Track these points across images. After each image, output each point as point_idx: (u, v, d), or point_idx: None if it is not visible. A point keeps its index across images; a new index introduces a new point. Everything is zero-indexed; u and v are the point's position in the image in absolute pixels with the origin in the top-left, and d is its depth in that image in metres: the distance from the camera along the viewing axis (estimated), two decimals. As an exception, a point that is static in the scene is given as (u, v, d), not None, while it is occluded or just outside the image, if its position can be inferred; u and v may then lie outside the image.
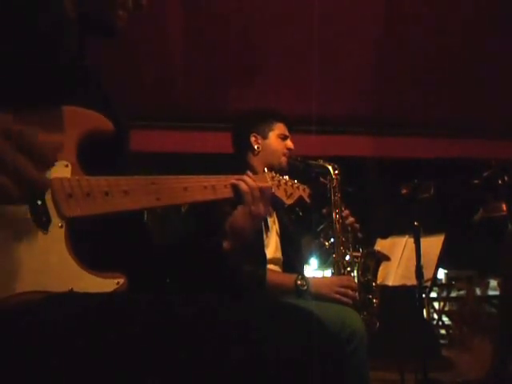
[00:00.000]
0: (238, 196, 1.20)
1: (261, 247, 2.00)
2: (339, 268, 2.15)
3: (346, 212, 2.22)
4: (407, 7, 3.44)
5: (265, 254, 2.00)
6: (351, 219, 2.22)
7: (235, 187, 1.19)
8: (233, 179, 1.21)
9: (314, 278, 2.09)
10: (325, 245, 2.25)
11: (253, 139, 2.17)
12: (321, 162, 2.30)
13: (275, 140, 2.17)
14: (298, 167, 2.20)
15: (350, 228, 2.20)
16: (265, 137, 2.18)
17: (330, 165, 2.28)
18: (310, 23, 3.29)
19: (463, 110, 3.95)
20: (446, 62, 3.70)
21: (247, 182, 1.21)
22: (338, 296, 1.92)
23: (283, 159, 2.16)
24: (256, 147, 2.16)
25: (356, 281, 2.16)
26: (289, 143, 2.19)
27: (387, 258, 2.51)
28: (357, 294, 2.02)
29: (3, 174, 0.66)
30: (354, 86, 3.90)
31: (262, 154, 2.17)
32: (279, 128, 2.20)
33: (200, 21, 3.41)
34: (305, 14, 3.35)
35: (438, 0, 3.44)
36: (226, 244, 1.21)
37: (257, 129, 2.19)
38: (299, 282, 1.89)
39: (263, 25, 3.50)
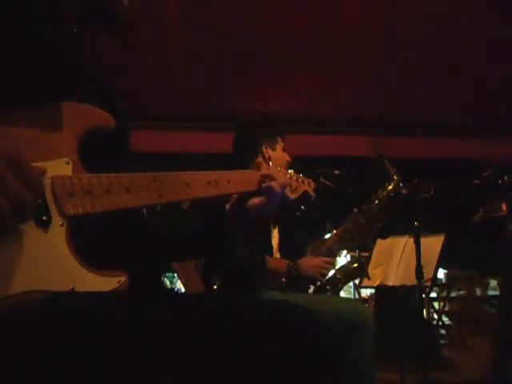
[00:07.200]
0: (261, 191, 1.13)
1: (268, 240, 2.24)
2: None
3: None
4: (408, 7, 3.45)
5: (271, 245, 2.24)
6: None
7: (268, 189, 1.12)
8: (262, 173, 1.15)
9: (301, 260, 2.32)
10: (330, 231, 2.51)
11: (264, 149, 2.32)
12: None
13: (281, 152, 2.35)
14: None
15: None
16: (273, 149, 2.34)
17: (393, 171, 2.55)
18: (310, 23, 3.30)
19: (463, 109, 3.95)
20: (447, 63, 3.71)
21: (280, 182, 1.14)
22: (319, 275, 2.28)
23: None
24: (267, 157, 2.30)
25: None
26: (287, 156, 2.38)
27: (366, 275, 2.77)
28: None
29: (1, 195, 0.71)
30: (354, 86, 3.90)
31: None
32: (282, 141, 2.38)
33: (200, 21, 3.41)
34: (305, 14, 3.35)
35: (440, 0, 3.45)
36: (227, 205, 1.17)
37: (267, 140, 2.35)
38: (291, 264, 2.21)
39: (264, 25, 3.50)
